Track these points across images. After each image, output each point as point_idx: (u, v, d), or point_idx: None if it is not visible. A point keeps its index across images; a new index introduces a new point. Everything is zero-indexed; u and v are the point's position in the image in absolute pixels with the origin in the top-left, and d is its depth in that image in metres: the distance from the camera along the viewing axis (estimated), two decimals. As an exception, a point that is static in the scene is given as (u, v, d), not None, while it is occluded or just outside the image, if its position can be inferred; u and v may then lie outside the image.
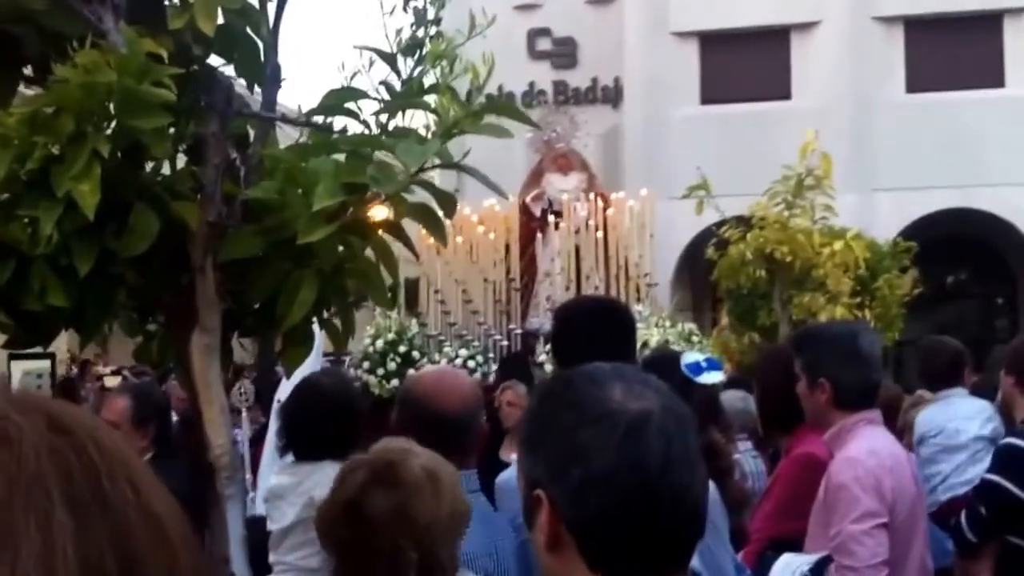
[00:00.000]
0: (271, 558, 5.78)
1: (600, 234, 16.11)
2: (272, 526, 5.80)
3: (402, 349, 16.83)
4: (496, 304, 16.64)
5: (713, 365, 6.13)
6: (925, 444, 8.21)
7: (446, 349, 16.97)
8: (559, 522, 1.96)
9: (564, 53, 26.17)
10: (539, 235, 17.00)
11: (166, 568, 1.07)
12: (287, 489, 5.71)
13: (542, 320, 16.43)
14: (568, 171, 18.76)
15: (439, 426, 4.11)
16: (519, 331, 15.98)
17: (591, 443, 1.95)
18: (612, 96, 25.84)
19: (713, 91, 24.80)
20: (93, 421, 1.12)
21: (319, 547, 5.57)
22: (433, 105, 4.06)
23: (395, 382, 15.31)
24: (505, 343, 16.21)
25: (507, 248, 17.87)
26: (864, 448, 5.27)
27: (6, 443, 1.04)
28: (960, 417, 8.17)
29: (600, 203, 17.24)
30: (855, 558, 5.07)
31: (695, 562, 4.77)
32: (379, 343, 17.00)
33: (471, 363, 15.91)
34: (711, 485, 4.98)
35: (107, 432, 1.12)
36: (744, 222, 14.40)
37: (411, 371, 5.87)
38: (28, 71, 4.24)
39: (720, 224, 14.48)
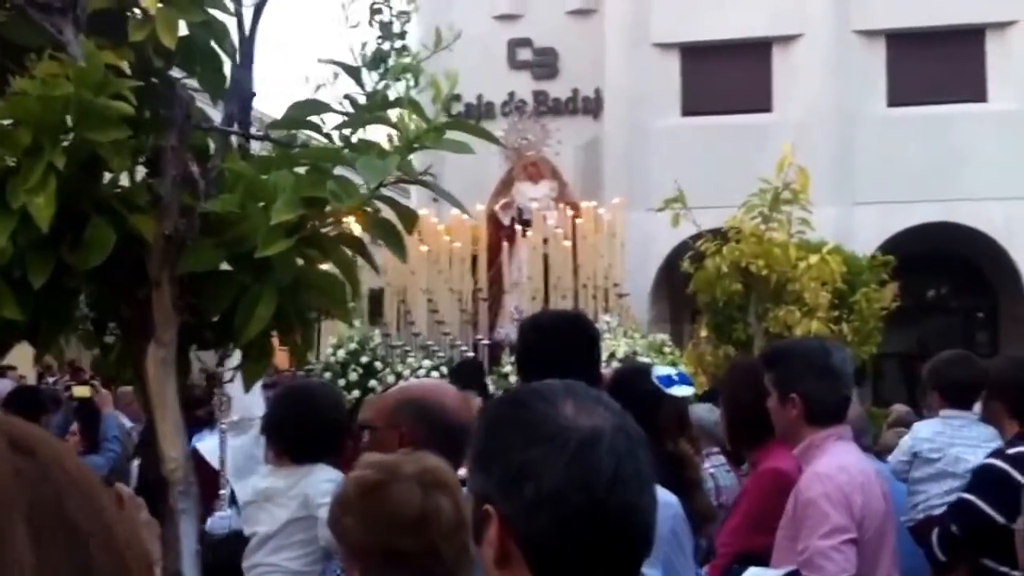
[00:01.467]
0: (249, 561, 5.77)
1: (569, 243, 15.85)
2: (256, 528, 5.79)
3: (364, 359, 16.51)
4: (462, 314, 16.34)
5: (684, 379, 6.13)
6: (919, 464, 7.98)
7: (409, 360, 16.64)
8: (509, 538, 1.97)
9: (545, 63, 26.16)
10: (506, 244, 16.69)
11: None
12: (278, 491, 5.72)
13: (508, 331, 16.06)
14: (538, 179, 18.49)
15: (460, 439, 4.12)
16: (486, 342, 15.68)
17: (542, 460, 1.95)
18: (592, 107, 25.83)
19: (694, 103, 24.82)
20: (56, 444, 1.10)
21: (308, 549, 5.61)
22: (394, 120, 4.04)
23: (356, 393, 15.04)
24: (471, 354, 15.92)
25: (474, 258, 17.59)
26: (834, 464, 5.28)
27: None
28: (964, 444, 7.69)
29: (570, 212, 16.95)
30: (823, 573, 5.07)
31: (657, 574, 4.77)
32: (340, 353, 16.72)
33: (435, 374, 15.37)
34: (676, 499, 5.00)
35: (71, 456, 1.10)
36: (721, 235, 14.41)
37: (410, 383, 5.86)
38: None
39: (696, 237, 14.50)
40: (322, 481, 5.50)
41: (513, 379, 12.96)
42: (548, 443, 1.96)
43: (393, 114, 4.21)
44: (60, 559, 1.00)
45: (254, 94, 4.34)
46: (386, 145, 4.13)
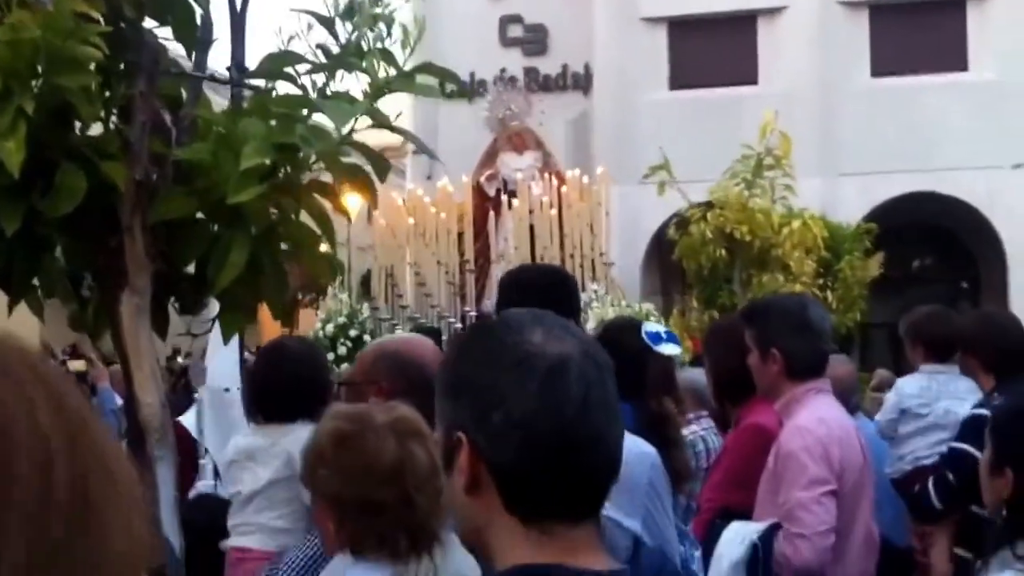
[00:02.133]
0: (233, 520, 5.78)
1: (555, 212, 15.74)
2: (239, 488, 5.80)
3: (353, 333, 16.47)
4: (449, 286, 16.25)
5: (672, 338, 6.15)
6: (907, 419, 8.00)
7: (398, 332, 16.32)
8: (480, 464, 1.99)
9: (535, 40, 26.24)
10: (492, 215, 16.59)
11: (120, 508, 1.08)
12: (261, 450, 5.72)
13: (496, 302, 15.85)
14: (523, 150, 18.32)
15: (426, 389, 4.15)
16: (474, 313, 15.60)
17: (511, 387, 1.97)
18: (582, 83, 25.95)
19: (682, 77, 24.91)
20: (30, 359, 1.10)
21: (291, 508, 5.62)
22: (364, 66, 4.04)
23: (345, 366, 15.01)
24: (459, 326, 15.83)
25: (461, 234, 17.44)
26: (814, 417, 5.32)
27: None
28: (951, 397, 7.79)
29: (555, 182, 16.82)
30: (803, 525, 5.11)
31: (638, 528, 4.80)
32: (329, 327, 16.72)
33: None
34: (654, 451, 5.02)
35: (46, 366, 1.10)
36: (708, 206, 14.44)
37: (385, 338, 5.82)
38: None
39: (689, 210, 14.55)
40: (305, 439, 5.49)
41: None
42: (516, 369, 1.98)
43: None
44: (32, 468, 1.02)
45: (213, 40, 4.31)
46: (360, 96, 4.14)
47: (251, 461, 5.76)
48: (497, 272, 16.01)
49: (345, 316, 16.36)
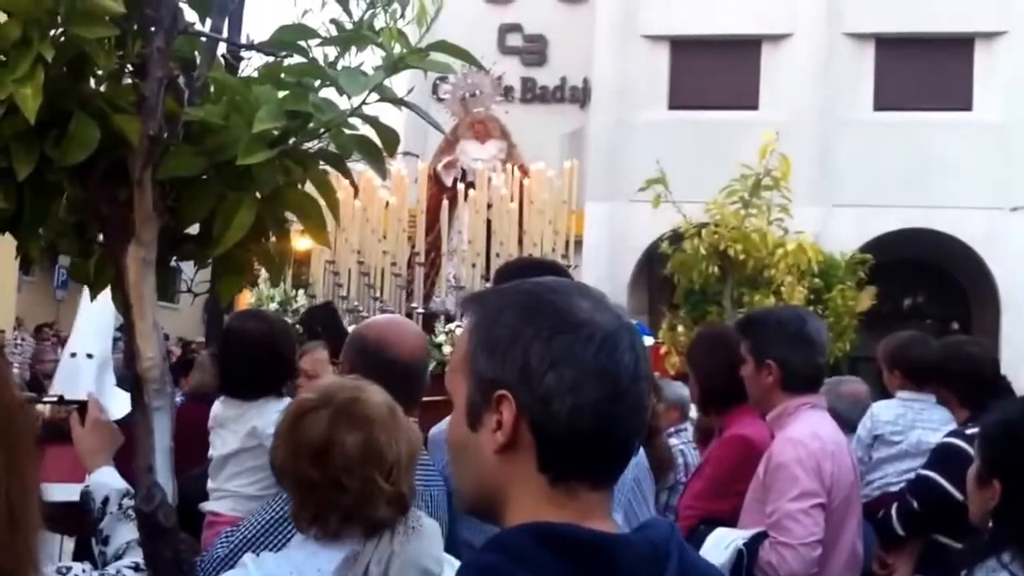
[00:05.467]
0: (211, 484, 5.91)
1: (514, 205, 14.38)
2: (213, 453, 5.95)
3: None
4: (395, 279, 14.96)
5: (644, 330, 6.20)
6: (880, 445, 7.98)
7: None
8: (523, 423, 2.04)
9: (534, 50, 26.34)
10: (445, 205, 15.23)
11: None
12: (229, 419, 5.87)
13: (445, 299, 14.74)
14: (486, 139, 16.39)
15: (390, 372, 4.26)
16: (421, 311, 14.45)
17: (568, 350, 2.02)
18: (580, 96, 26.07)
19: (681, 97, 25.01)
20: None
21: (259, 476, 5.76)
22: (379, 40, 4.09)
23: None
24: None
25: (412, 222, 15.78)
26: (807, 431, 5.37)
27: None
28: (925, 426, 7.78)
29: (519, 175, 15.16)
30: (791, 535, 5.16)
31: (620, 521, 4.85)
32: (259, 313, 15.52)
33: None
34: (643, 451, 5.06)
35: None
36: (703, 226, 14.48)
37: (371, 319, 5.71)
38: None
39: (684, 226, 14.56)
40: (272, 412, 5.60)
41: (447, 350, 12.34)
42: (573, 334, 2.04)
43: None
44: None
45: (232, 5, 4.36)
46: (370, 72, 4.19)
47: (222, 428, 5.91)
48: (449, 268, 15.17)
49: (278, 303, 15.16)
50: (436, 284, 15.48)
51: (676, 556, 2.04)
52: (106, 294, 4.16)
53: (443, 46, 4.11)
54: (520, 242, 14.28)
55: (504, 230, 14.05)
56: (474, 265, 14.10)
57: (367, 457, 3.44)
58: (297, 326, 10.33)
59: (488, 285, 12.98)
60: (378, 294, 14.52)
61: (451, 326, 12.72)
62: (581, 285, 2.21)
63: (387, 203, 14.90)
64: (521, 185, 14.57)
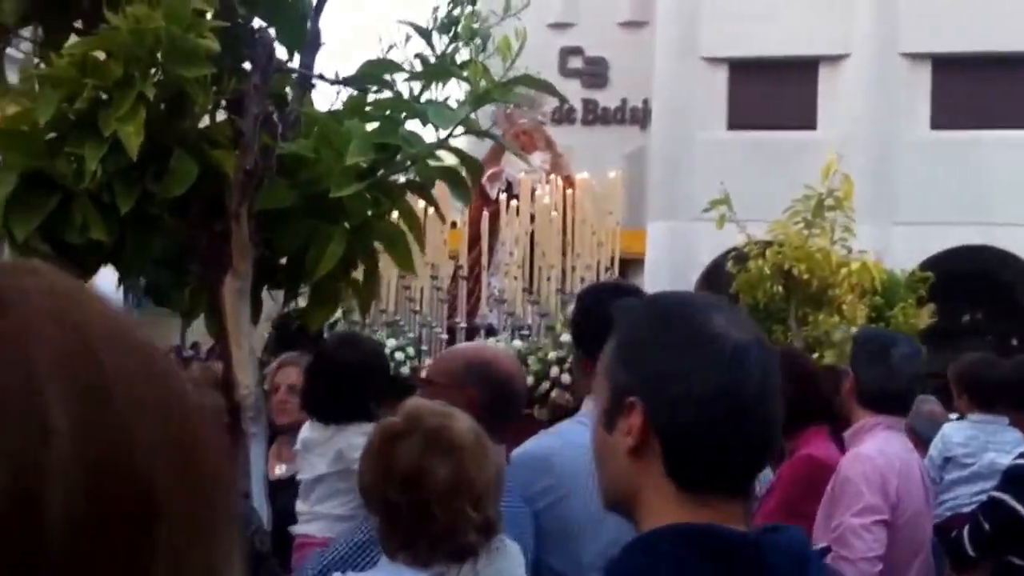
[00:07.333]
0: (300, 507, 5.95)
1: (556, 214, 13.70)
2: (302, 476, 5.97)
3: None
4: (436, 292, 14.38)
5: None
6: (952, 468, 7.87)
7: (377, 337, 13.75)
8: (650, 430, 2.11)
9: (595, 73, 26.34)
10: (486, 217, 14.49)
11: (171, 456, 0.92)
12: (316, 442, 5.87)
13: (488, 314, 14.47)
14: (531, 150, 15.73)
15: (517, 407, 4.27)
16: (463, 325, 13.85)
17: (697, 363, 2.10)
18: (640, 117, 26.03)
19: (740, 117, 24.95)
20: (95, 296, 0.95)
21: (348, 498, 5.78)
22: (465, 74, 4.20)
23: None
24: (445, 336, 13.38)
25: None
26: (875, 448, 5.39)
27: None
28: (998, 449, 7.68)
29: (563, 186, 14.68)
30: (851, 550, 5.19)
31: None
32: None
33: (399, 355, 13.24)
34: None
35: (113, 307, 0.95)
36: (766, 245, 14.46)
37: (473, 345, 5.52)
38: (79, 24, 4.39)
39: (733, 250, 14.55)
40: (356, 435, 5.64)
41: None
42: (704, 348, 2.11)
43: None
44: (99, 419, 0.88)
45: (322, 44, 4.47)
46: (452, 104, 4.30)
47: (308, 452, 5.93)
48: (495, 283, 14.65)
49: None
50: (481, 299, 15.14)
51: (816, 559, 2.10)
52: None
53: (527, 80, 4.21)
54: (564, 254, 13.95)
55: (548, 242, 13.75)
56: (516, 278, 13.77)
57: (457, 487, 3.44)
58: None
59: (530, 299, 12.95)
60: (418, 308, 14.14)
61: (492, 340, 12.49)
62: (720, 300, 2.29)
63: (425, 213, 14.47)
64: (565, 196, 14.23)
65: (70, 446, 0.85)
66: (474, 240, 14.63)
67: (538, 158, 15.90)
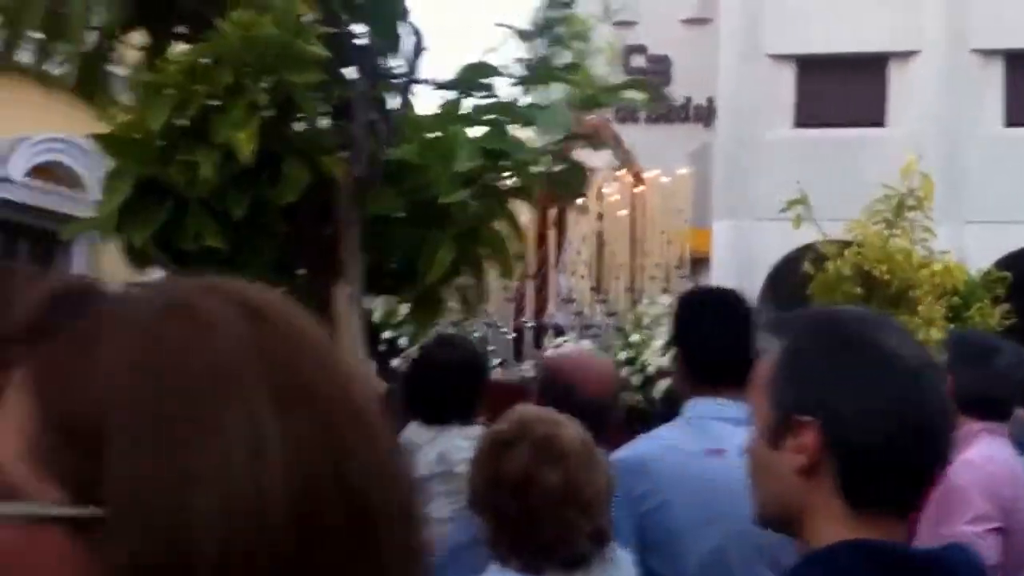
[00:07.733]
0: None
1: (624, 213, 13.56)
2: None
3: (387, 335, 14.30)
4: (504, 291, 14.25)
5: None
6: None
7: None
8: (825, 448, 2.07)
9: (658, 71, 26.15)
10: (556, 216, 14.32)
11: (374, 463, 0.94)
12: (419, 445, 5.86)
13: (556, 313, 14.31)
14: (598, 147, 15.57)
15: (582, 412, 4.26)
16: (531, 324, 13.80)
17: (876, 382, 2.08)
18: (704, 115, 25.90)
19: (807, 115, 24.76)
20: (287, 307, 0.97)
21: (451, 500, 5.74)
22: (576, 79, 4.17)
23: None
24: (512, 335, 14.04)
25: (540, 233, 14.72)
26: (983, 454, 5.32)
27: (205, 329, 0.92)
28: None
29: (632, 183, 14.53)
30: (967, 559, 5.11)
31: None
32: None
33: None
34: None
35: (304, 318, 0.98)
36: (844, 245, 14.32)
37: (564, 351, 5.52)
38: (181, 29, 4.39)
39: (805, 248, 14.40)
40: (459, 437, 5.62)
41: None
42: (881, 367, 2.09)
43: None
44: (303, 425, 0.90)
45: (424, 49, 4.44)
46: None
47: (410, 454, 5.92)
48: (563, 282, 14.55)
49: (379, 319, 14.38)
50: (547, 296, 15.07)
51: None
52: None
53: (635, 84, 4.18)
54: (632, 252, 13.90)
55: (616, 241, 13.71)
56: (583, 276, 13.73)
57: (566, 495, 3.42)
58: None
59: (599, 298, 12.89)
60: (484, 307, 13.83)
61: (560, 340, 12.46)
62: (886, 318, 2.28)
63: None
64: (633, 194, 14.16)
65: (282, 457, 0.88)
66: (541, 239, 14.65)
67: (606, 155, 15.88)
